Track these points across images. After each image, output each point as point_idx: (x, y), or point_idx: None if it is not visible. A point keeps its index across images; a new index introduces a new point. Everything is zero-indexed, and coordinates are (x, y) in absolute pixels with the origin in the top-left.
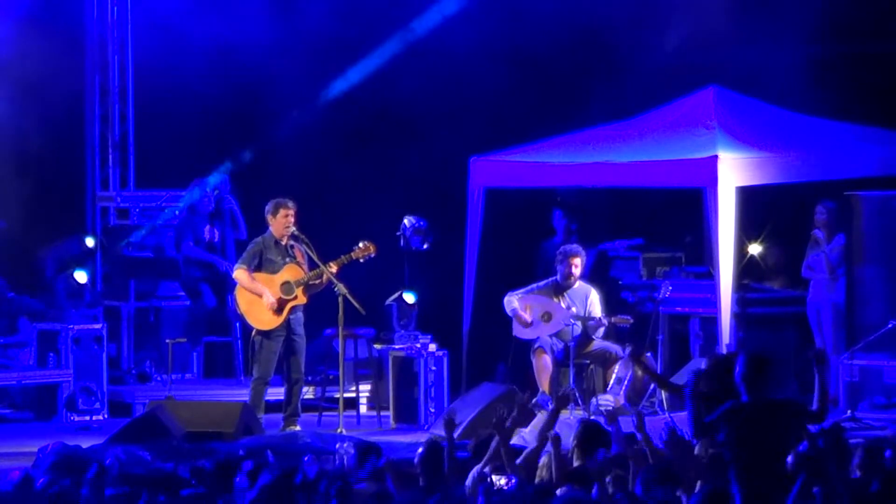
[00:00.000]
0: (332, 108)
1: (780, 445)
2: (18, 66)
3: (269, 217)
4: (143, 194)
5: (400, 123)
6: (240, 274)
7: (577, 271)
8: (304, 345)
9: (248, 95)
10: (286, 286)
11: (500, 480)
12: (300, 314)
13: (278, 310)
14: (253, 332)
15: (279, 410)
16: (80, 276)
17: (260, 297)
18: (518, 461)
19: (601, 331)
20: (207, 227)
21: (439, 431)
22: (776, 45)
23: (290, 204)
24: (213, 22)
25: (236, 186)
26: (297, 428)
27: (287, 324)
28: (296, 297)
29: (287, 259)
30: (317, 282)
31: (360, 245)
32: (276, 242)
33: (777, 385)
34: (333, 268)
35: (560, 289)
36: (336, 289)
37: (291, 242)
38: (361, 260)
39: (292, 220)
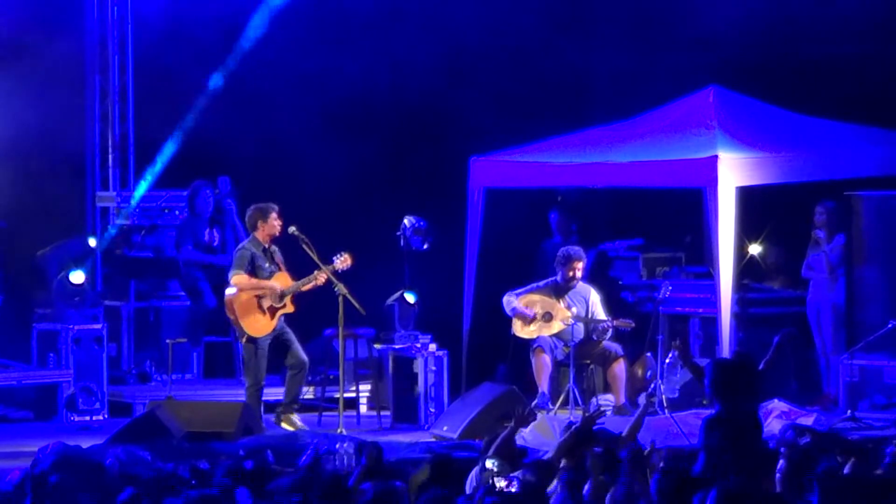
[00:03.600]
0: (333, 107)
1: (756, 449)
2: (18, 66)
3: (258, 223)
4: (143, 194)
5: (400, 123)
6: (239, 279)
7: (577, 274)
8: (291, 335)
9: (248, 95)
10: (278, 293)
11: (500, 482)
12: (282, 319)
13: (271, 314)
14: (244, 339)
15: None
16: (76, 277)
17: (257, 301)
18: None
19: (609, 333)
20: (207, 231)
21: (439, 431)
22: (776, 45)
23: (275, 206)
24: (212, 21)
25: (236, 187)
26: (294, 417)
27: (274, 329)
28: (285, 306)
29: (273, 266)
30: (307, 286)
31: (339, 256)
32: (264, 248)
33: (775, 385)
34: (322, 277)
35: (560, 290)
36: (336, 289)
37: (275, 247)
38: (340, 270)
39: (281, 220)
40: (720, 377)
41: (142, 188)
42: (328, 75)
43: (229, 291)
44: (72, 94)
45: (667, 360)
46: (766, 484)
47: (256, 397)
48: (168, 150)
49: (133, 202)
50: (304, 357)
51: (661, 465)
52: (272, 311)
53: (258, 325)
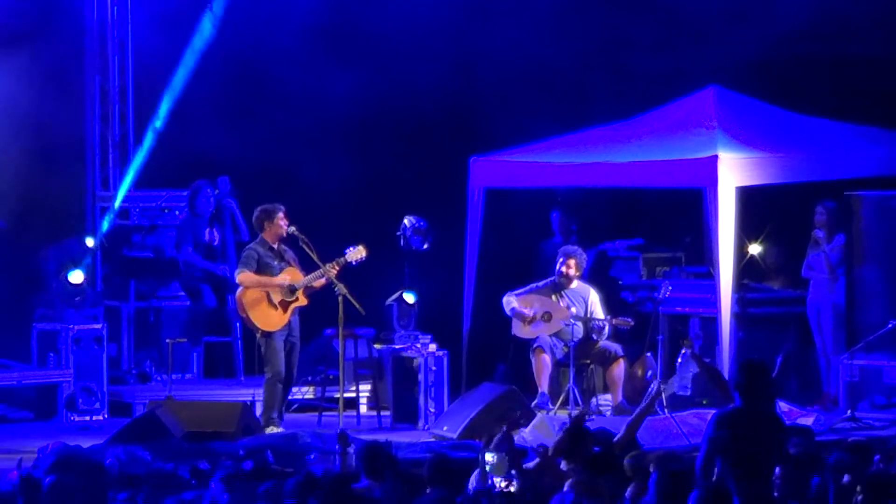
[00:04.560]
0: (333, 107)
1: (767, 451)
2: (18, 66)
3: (264, 224)
4: (143, 194)
5: (400, 123)
6: (244, 276)
7: (570, 272)
8: (299, 349)
9: (248, 95)
10: (288, 288)
11: (500, 483)
12: (297, 317)
13: (283, 308)
14: (259, 334)
15: (287, 409)
16: (75, 277)
17: (266, 296)
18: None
19: (606, 332)
20: (207, 230)
21: (439, 431)
22: (776, 45)
23: (281, 206)
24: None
25: (238, 188)
26: (280, 429)
27: (289, 324)
28: (297, 299)
29: (283, 263)
30: (315, 283)
31: (352, 248)
32: (270, 247)
33: (776, 386)
34: (333, 271)
35: (559, 288)
36: (336, 289)
37: (284, 247)
38: (354, 263)
39: (287, 220)
40: (748, 376)
41: (124, 186)
42: (329, 76)
43: (238, 291)
44: (72, 94)
45: (678, 360)
46: (767, 486)
47: (274, 391)
48: (145, 147)
49: (117, 202)
50: (294, 374)
51: (655, 467)
52: (284, 304)
53: (270, 320)
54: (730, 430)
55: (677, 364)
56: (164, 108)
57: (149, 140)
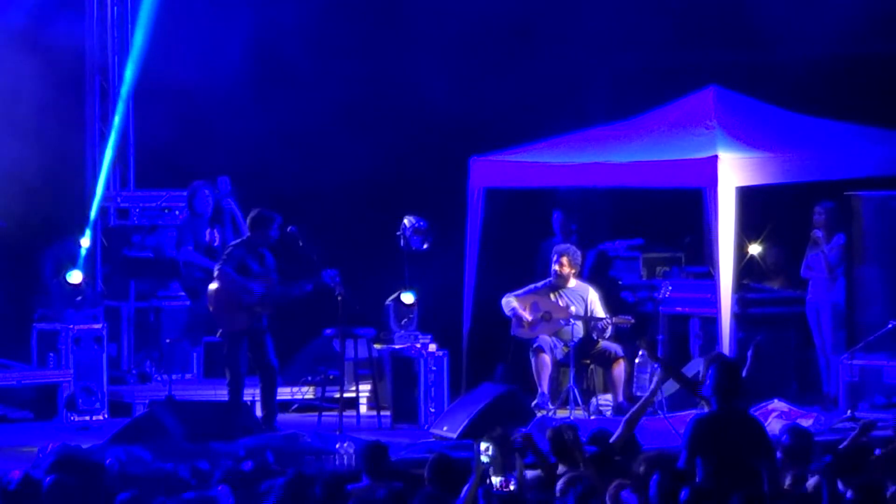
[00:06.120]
0: (333, 106)
1: (750, 450)
2: (18, 66)
3: (257, 228)
4: (143, 194)
5: (400, 123)
6: (222, 274)
7: (563, 270)
8: (267, 337)
9: (247, 94)
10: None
11: (497, 480)
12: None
13: (249, 311)
14: (218, 332)
15: (284, 409)
16: (74, 277)
17: (238, 295)
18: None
19: (609, 331)
20: (208, 231)
21: (439, 431)
22: (776, 46)
23: (279, 216)
24: (211, 21)
25: (238, 187)
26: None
27: (252, 326)
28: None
29: (262, 268)
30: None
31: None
32: (255, 250)
33: (775, 385)
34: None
35: (557, 288)
36: (336, 289)
37: (266, 252)
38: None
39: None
40: (729, 378)
41: (100, 186)
42: (329, 76)
43: (210, 285)
44: (72, 95)
45: (637, 360)
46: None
47: (235, 393)
48: (110, 148)
49: (96, 201)
50: (274, 362)
51: (644, 468)
52: (249, 308)
53: (235, 319)
54: (711, 433)
55: (635, 365)
56: (119, 111)
57: (112, 140)
